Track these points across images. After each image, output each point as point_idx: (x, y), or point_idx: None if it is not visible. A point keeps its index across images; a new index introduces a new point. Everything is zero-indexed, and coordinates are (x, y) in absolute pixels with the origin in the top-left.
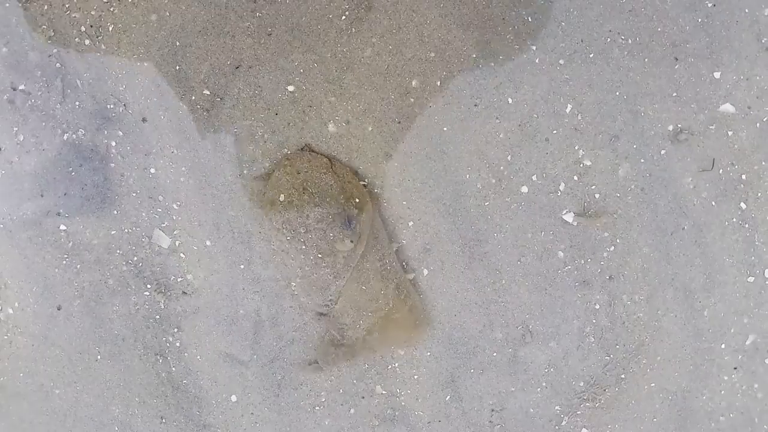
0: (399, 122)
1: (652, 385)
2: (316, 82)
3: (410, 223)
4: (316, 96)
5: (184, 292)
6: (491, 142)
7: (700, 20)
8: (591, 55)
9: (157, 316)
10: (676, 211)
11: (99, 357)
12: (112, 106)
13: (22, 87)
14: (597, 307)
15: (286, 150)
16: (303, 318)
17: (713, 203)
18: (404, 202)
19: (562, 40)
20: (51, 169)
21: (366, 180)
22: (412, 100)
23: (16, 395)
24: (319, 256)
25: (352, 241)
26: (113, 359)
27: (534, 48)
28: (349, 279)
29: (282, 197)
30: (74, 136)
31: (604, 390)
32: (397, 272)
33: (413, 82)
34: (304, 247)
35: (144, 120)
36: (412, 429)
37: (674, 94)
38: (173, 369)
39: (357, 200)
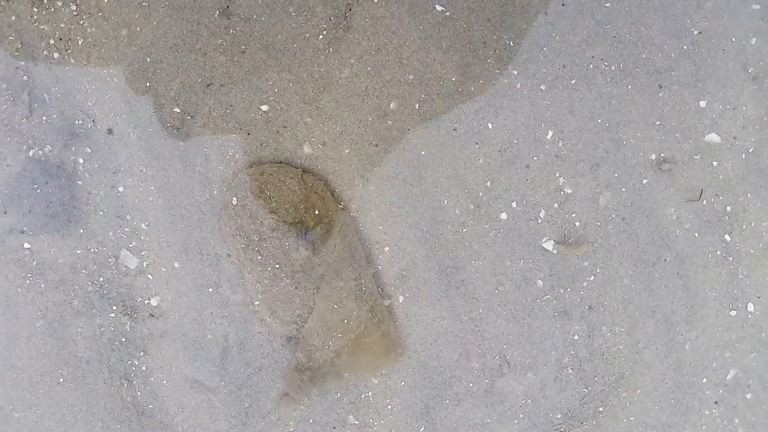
0: (376, 145)
1: (631, 418)
2: (291, 102)
3: (386, 249)
4: (291, 116)
5: (151, 315)
6: (470, 168)
7: (685, 47)
8: (573, 81)
9: (123, 339)
10: (658, 242)
11: (62, 380)
12: (80, 122)
13: None
14: (576, 337)
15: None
16: (272, 344)
17: (696, 235)
18: (380, 227)
19: (543, 65)
20: (15, 185)
21: (341, 204)
22: (390, 122)
23: None
24: (277, 266)
25: (306, 249)
26: (76, 382)
27: (515, 73)
28: (320, 297)
29: (234, 200)
30: (40, 152)
31: (582, 423)
32: (372, 295)
33: (391, 105)
34: (260, 257)
35: (110, 131)
36: None
37: (658, 123)
38: (138, 393)
39: (317, 212)
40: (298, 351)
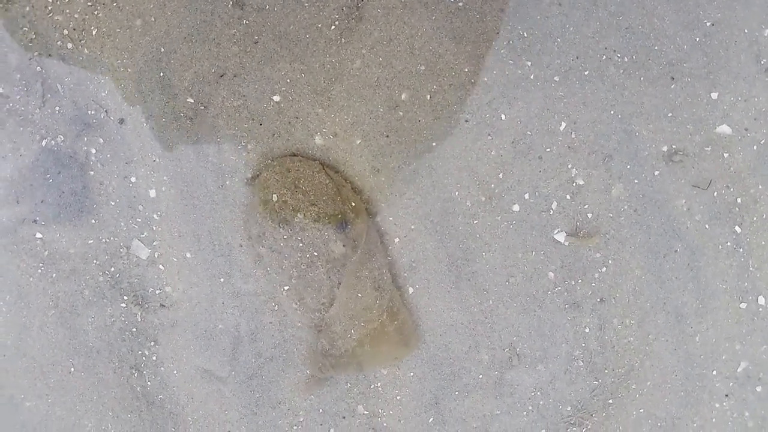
0: (387, 136)
1: (641, 410)
2: (303, 93)
3: (396, 240)
4: (302, 107)
5: (162, 305)
6: (482, 159)
7: (697, 39)
8: (586, 73)
9: (134, 329)
10: (669, 234)
11: (72, 369)
12: (93, 112)
13: (0, 90)
14: (587, 330)
15: (270, 161)
16: (283, 335)
17: (707, 226)
18: (391, 218)
19: (557, 56)
20: (28, 175)
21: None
22: (401, 113)
23: None
24: (315, 254)
25: (344, 245)
26: (87, 372)
27: (528, 64)
28: (344, 286)
29: (275, 197)
30: (53, 142)
31: (591, 415)
32: (390, 285)
33: (403, 96)
34: (301, 244)
35: (122, 121)
36: None
37: (670, 114)
38: (149, 383)
39: (353, 204)
40: (321, 338)
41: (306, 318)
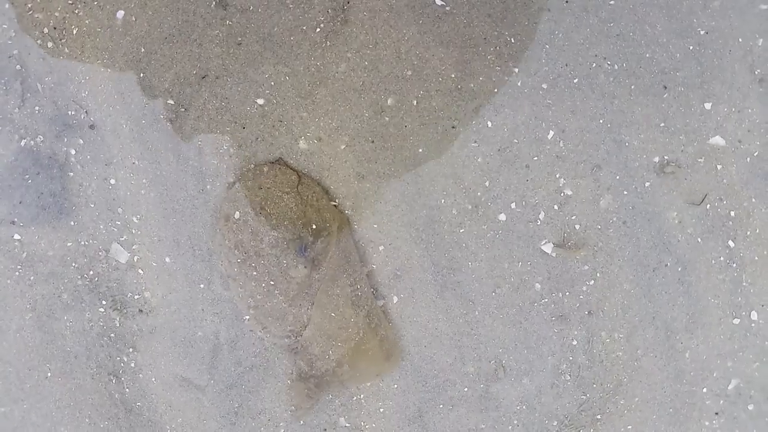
0: (373, 141)
1: (629, 427)
2: (287, 96)
3: (381, 248)
4: (286, 110)
5: (140, 310)
6: (468, 167)
7: (691, 48)
8: (575, 80)
9: (112, 334)
10: (660, 247)
11: (49, 374)
12: (73, 113)
13: None
14: (574, 343)
15: (253, 165)
16: (263, 343)
17: (699, 240)
18: (375, 226)
19: (545, 63)
20: (6, 175)
21: (337, 201)
22: (387, 119)
23: None
24: (272, 283)
25: (305, 267)
26: (64, 377)
27: (516, 70)
28: (316, 305)
29: (237, 214)
30: (32, 142)
31: (579, 430)
32: (368, 299)
33: (389, 101)
34: (255, 273)
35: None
36: None
37: (662, 124)
38: (127, 390)
39: (314, 226)
40: (298, 360)
41: (277, 341)
